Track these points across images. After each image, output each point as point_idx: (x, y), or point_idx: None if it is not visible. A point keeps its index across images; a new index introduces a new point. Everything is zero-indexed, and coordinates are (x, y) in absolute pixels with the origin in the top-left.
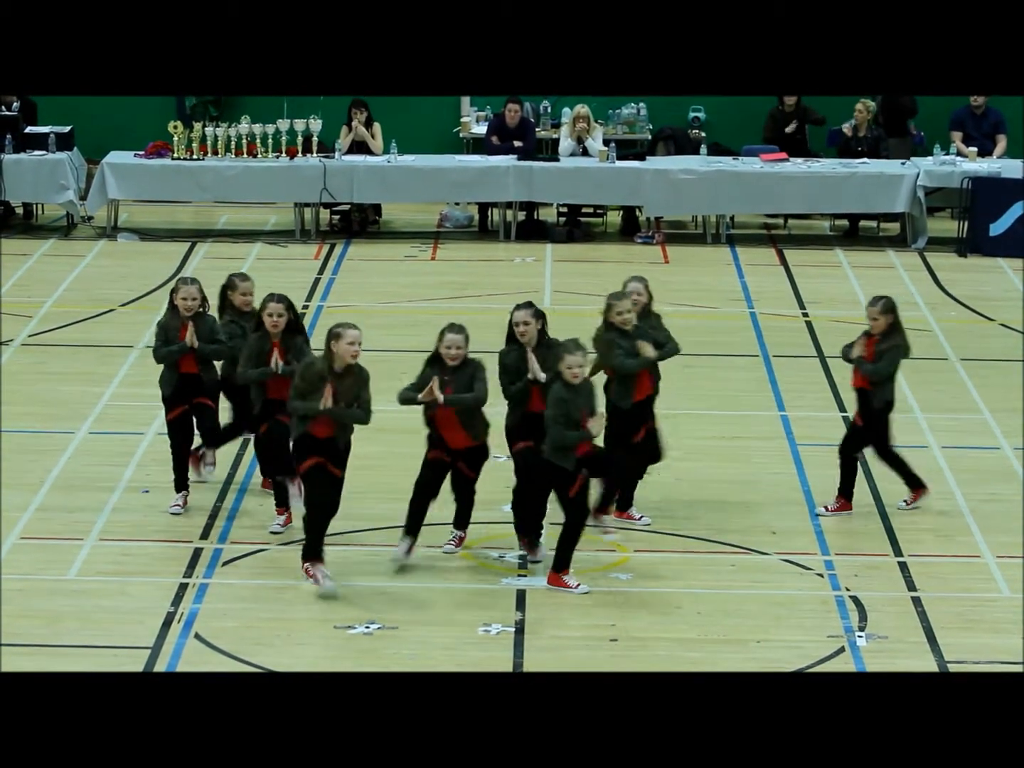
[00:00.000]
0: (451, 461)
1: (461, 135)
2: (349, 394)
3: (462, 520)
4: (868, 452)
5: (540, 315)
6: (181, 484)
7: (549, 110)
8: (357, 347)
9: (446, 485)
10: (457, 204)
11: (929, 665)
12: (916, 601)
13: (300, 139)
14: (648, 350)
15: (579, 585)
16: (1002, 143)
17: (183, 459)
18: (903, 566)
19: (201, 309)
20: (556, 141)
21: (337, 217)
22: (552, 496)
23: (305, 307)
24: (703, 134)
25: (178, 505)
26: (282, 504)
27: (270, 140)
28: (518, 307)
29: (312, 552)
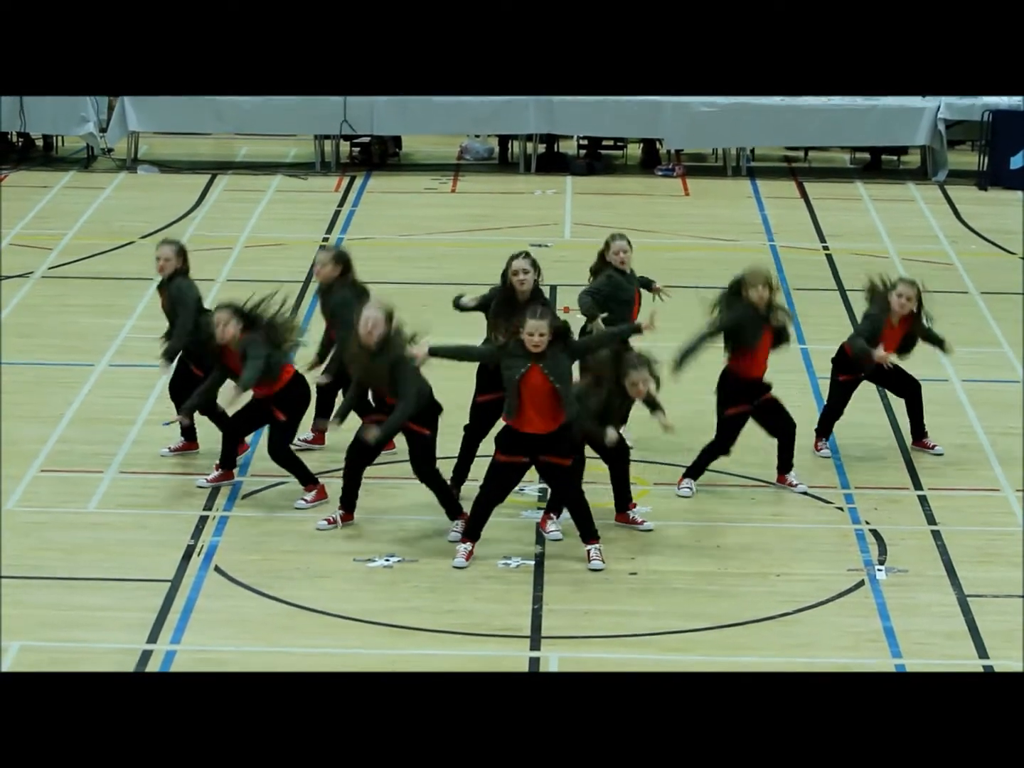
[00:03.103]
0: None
1: None
2: (381, 375)
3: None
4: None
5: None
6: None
7: None
8: (370, 327)
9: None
10: (477, 136)
11: (948, 599)
12: (936, 535)
13: None
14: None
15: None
16: None
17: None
18: (923, 499)
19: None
20: None
21: (357, 149)
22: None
23: (325, 239)
24: None
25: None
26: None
27: None
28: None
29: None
